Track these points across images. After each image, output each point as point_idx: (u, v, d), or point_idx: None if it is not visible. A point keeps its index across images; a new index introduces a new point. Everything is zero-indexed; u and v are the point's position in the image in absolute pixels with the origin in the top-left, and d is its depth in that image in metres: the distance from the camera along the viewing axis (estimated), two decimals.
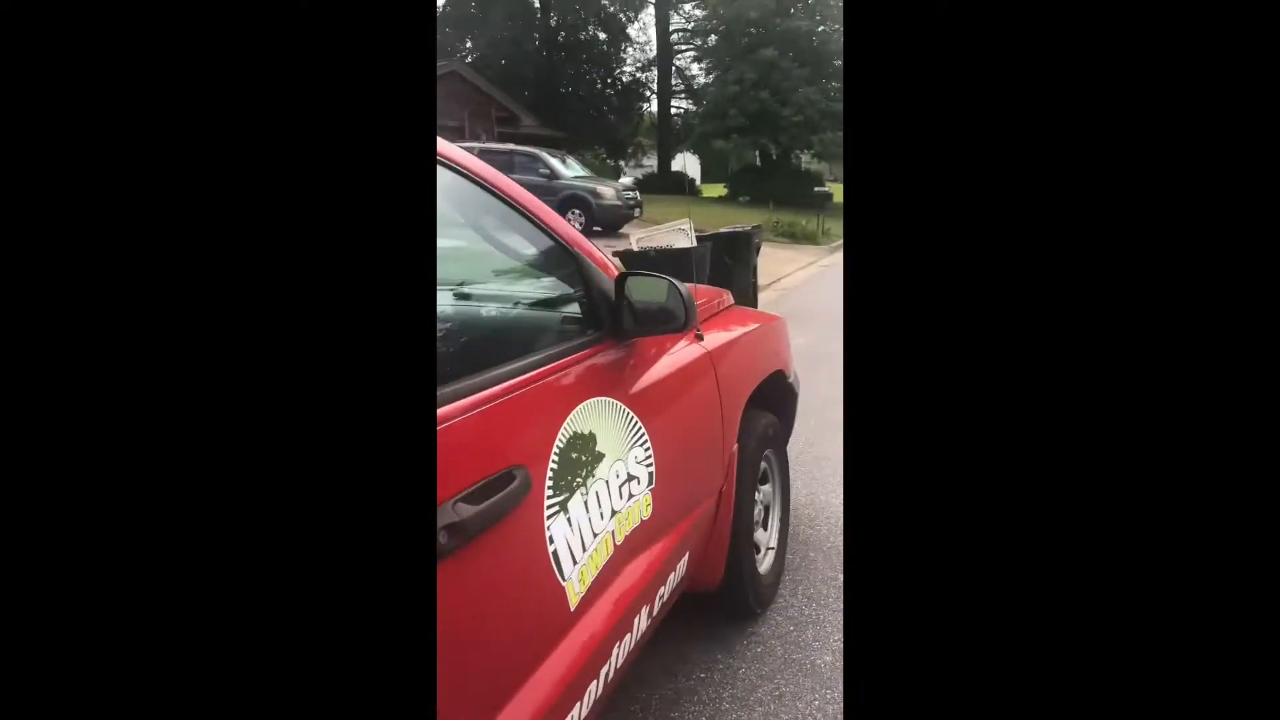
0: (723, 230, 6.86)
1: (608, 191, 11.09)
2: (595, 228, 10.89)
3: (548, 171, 11.29)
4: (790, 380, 2.26)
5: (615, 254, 5.53)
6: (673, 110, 27.14)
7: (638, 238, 5.48)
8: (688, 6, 26.23)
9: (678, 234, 5.48)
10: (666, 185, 23.72)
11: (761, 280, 8.45)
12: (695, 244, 5.44)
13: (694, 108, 25.42)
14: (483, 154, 11.63)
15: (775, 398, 2.20)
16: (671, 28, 26.65)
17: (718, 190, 24.46)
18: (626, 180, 26.44)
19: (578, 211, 11.07)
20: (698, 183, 29.58)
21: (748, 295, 6.53)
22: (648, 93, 28.47)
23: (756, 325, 2.09)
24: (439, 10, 25.86)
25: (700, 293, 2.17)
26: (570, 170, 11.73)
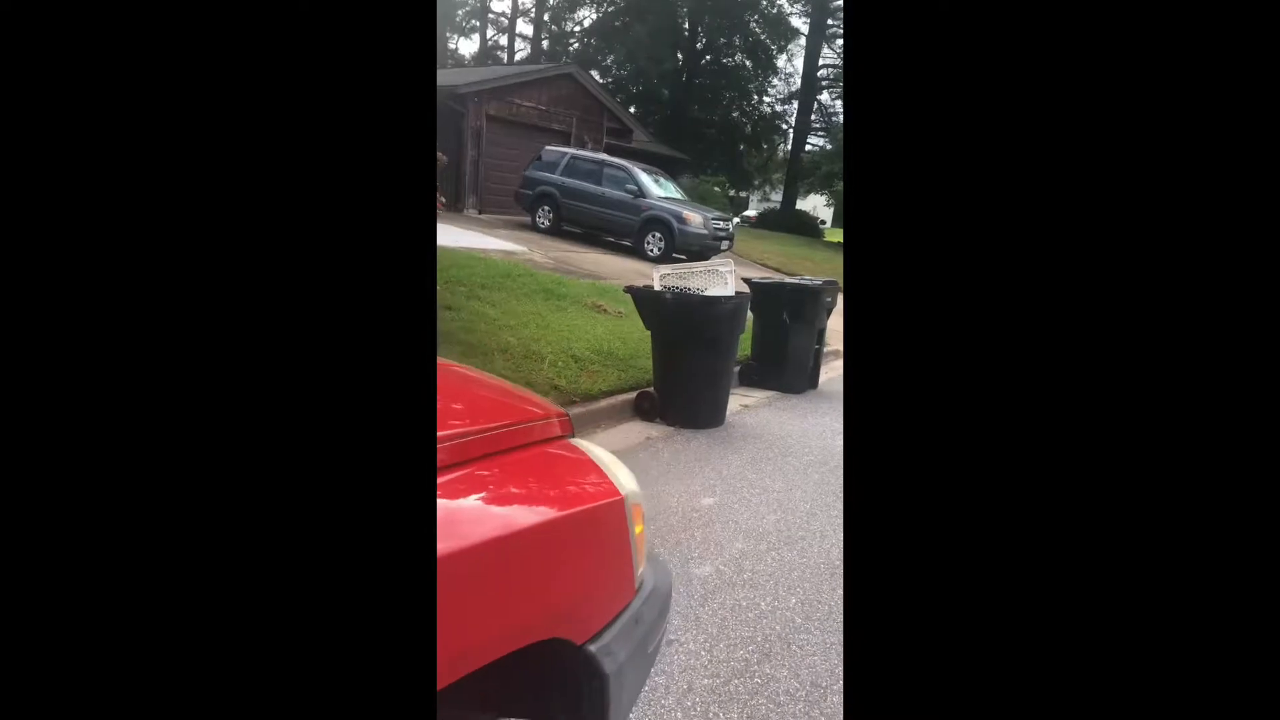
0: (786, 280, 5.55)
1: (695, 218, 9.99)
2: (675, 255, 9.78)
3: (635, 188, 10.36)
4: (597, 647, 1.00)
5: (628, 289, 4.41)
6: (807, 147, 25.68)
7: (661, 274, 4.30)
8: (840, 41, 24.78)
9: (714, 276, 4.25)
10: (791, 224, 22.33)
11: (841, 345, 7.03)
12: (733, 292, 4.18)
13: (830, 146, 23.87)
14: (573, 160, 10.87)
15: (538, 689, 0.96)
16: (821, 62, 25.31)
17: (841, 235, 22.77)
18: (750, 213, 25.51)
19: (658, 235, 10.03)
20: (827, 225, 27.91)
21: (806, 364, 5.18)
22: (785, 126, 27.21)
23: (533, 523, 0.87)
24: (588, 22, 26.00)
25: (464, 408, 1.00)
26: (661, 190, 10.74)
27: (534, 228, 10.99)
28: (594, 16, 26.22)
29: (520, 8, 28.35)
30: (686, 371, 4.06)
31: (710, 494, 3.11)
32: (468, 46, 28.87)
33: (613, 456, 1.19)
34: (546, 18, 27.45)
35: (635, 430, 3.96)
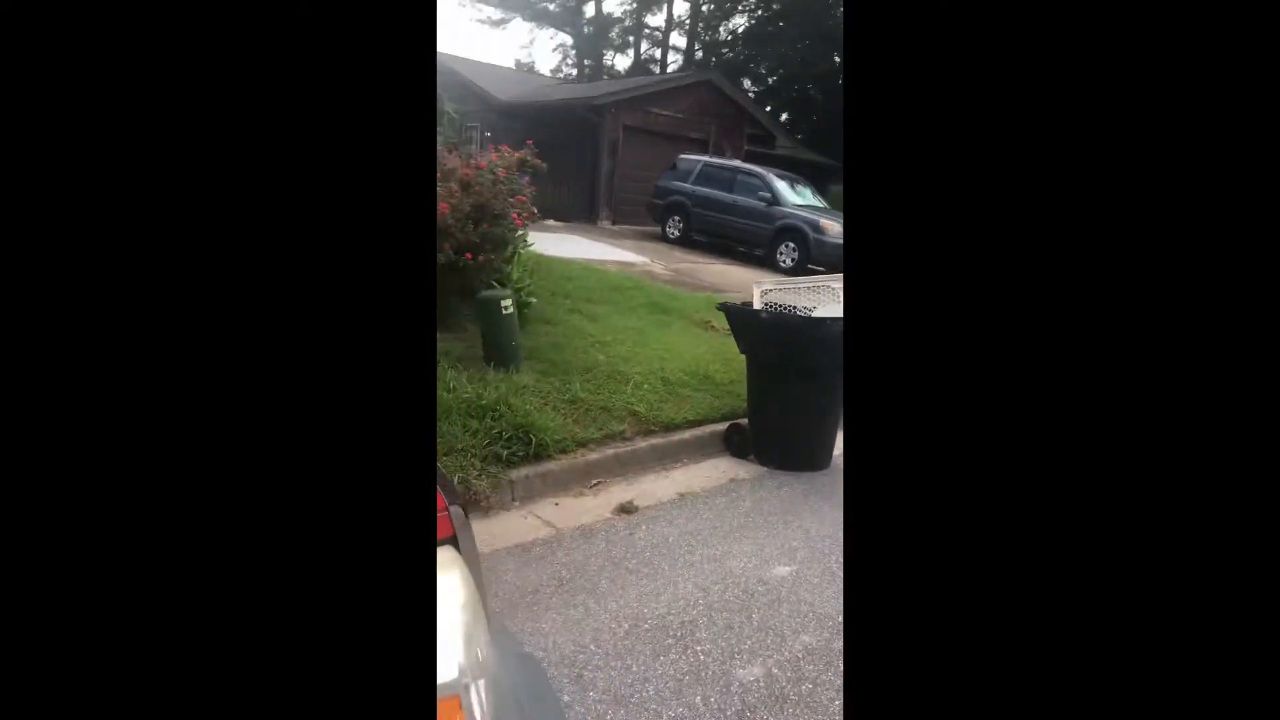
0: None
1: (834, 226, 9.16)
2: (811, 266, 9.04)
3: (769, 195, 9.75)
4: None
5: (721, 306, 3.91)
6: None
7: (764, 289, 3.77)
8: None
9: (824, 293, 3.65)
10: None
11: None
12: (843, 313, 3.55)
13: None
14: (706, 167, 10.49)
15: None
16: None
17: None
18: None
19: (791, 245, 9.33)
20: None
21: None
22: None
23: None
24: (742, 29, 25.62)
25: None
26: (798, 197, 10.02)
27: (663, 238, 10.72)
28: (747, 23, 25.71)
29: (675, 20, 28.53)
30: (783, 403, 3.49)
31: (788, 560, 2.55)
32: (623, 63, 29.53)
33: (467, 596, 0.78)
34: (700, 28, 27.37)
35: (720, 468, 3.47)
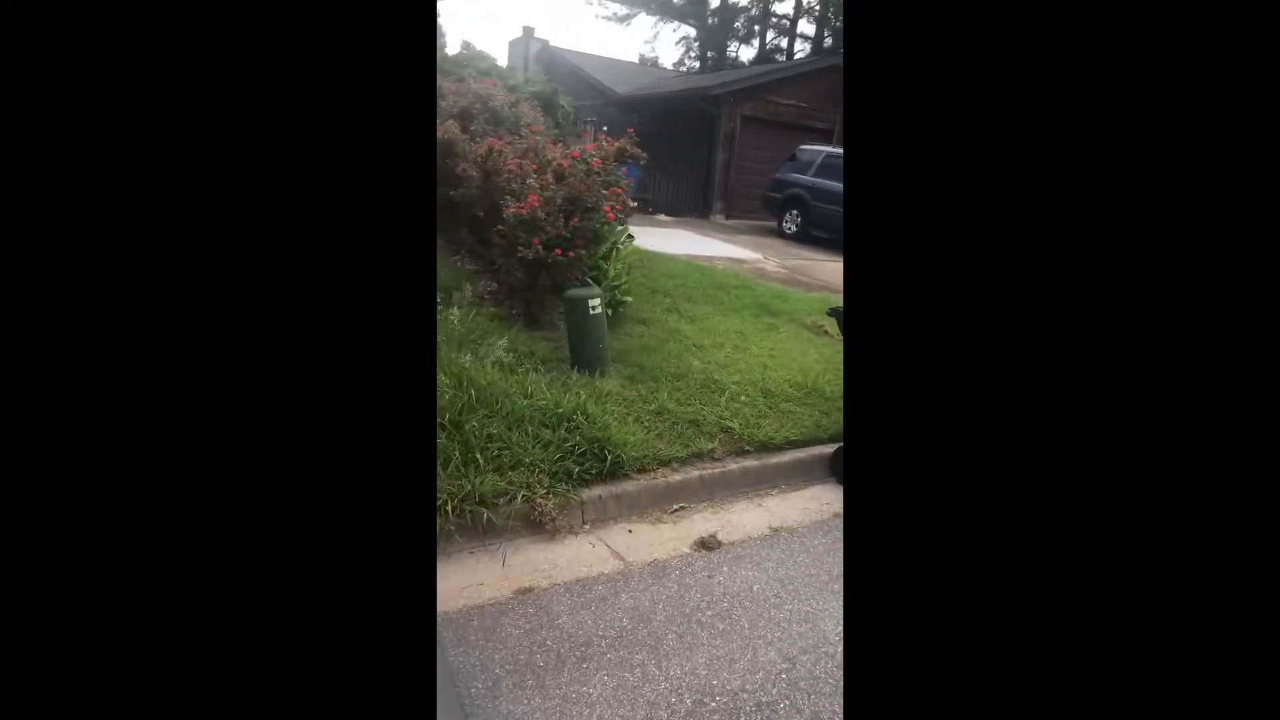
0: None
1: None
2: None
3: None
4: None
5: (832, 312, 3.42)
6: None
7: None
8: None
9: None
10: None
11: None
12: None
13: None
14: (829, 158, 9.81)
15: None
16: None
17: None
18: None
19: None
20: None
21: None
22: None
23: None
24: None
25: None
26: None
27: (780, 233, 10.14)
28: None
29: (804, 6, 27.36)
30: None
31: None
32: (747, 54, 28.75)
33: None
34: (830, 14, 26.07)
35: (822, 499, 3.01)
